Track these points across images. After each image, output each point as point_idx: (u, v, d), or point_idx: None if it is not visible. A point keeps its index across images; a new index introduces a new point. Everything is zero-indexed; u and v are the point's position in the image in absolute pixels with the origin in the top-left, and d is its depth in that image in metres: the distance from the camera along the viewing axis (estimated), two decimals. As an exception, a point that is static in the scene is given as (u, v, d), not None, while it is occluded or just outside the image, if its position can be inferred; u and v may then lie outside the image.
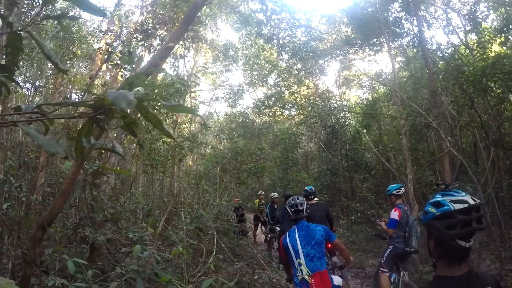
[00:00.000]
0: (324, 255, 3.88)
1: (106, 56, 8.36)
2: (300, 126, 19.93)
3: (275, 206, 11.22)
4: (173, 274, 5.23)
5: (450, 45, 11.80)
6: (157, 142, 10.18)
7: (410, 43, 13.10)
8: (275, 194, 11.78)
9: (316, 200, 7.50)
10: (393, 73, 12.31)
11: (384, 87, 16.46)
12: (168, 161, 10.64)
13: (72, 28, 11.06)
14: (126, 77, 6.62)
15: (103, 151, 5.58)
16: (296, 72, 17.80)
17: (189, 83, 10.62)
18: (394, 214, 5.31)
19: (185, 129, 14.01)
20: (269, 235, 10.74)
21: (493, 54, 9.43)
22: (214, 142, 19.04)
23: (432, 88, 9.07)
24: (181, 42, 10.78)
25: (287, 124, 21.89)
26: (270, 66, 19.03)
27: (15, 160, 6.91)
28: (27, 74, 12.69)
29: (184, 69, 14.89)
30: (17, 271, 3.71)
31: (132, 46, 11.16)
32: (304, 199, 4.18)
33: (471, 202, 1.49)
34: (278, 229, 8.52)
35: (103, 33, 11.67)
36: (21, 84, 12.06)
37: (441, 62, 11.37)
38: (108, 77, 13.38)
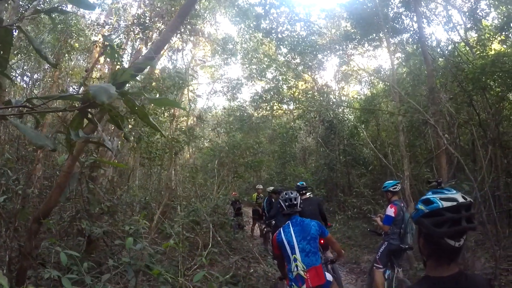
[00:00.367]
0: (318, 250, 3.88)
1: (102, 49, 8.33)
2: (298, 121, 19.92)
3: (273, 200, 11.24)
4: (168, 267, 5.26)
5: (450, 42, 11.76)
6: (154, 135, 10.16)
7: (410, 39, 13.04)
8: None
9: (308, 195, 7.50)
10: (392, 69, 12.27)
11: (383, 83, 16.43)
12: (166, 155, 10.63)
13: (70, 21, 10.97)
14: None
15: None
16: (294, 67, 17.74)
17: (187, 76, 10.57)
18: (390, 211, 5.30)
19: (182, 123, 13.96)
20: (265, 229, 10.76)
21: (493, 52, 9.37)
22: (212, 135, 19.02)
23: (431, 85, 9.06)
24: (178, 36, 10.72)
25: (285, 119, 21.89)
26: (268, 60, 18.97)
27: (12, 153, 6.89)
28: (25, 68, 12.64)
29: (182, 62, 14.85)
30: (14, 263, 3.71)
31: (130, 39, 11.12)
32: (298, 193, 4.18)
33: (461, 200, 1.45)
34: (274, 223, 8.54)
35: (100, 26, 11.61)
36: (18, 77, 12.04)
37: (440, 59, 11.34)
38: (106, 70, 13.34)
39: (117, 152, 8.80)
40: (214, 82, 23.33)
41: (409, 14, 12.17)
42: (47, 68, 12.02)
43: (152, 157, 10.72)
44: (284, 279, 4.15)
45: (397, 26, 12.57)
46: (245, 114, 19.08)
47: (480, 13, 10.87)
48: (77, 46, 12.57)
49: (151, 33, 10.16)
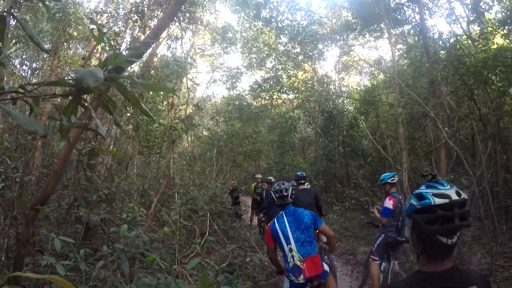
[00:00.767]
0: (313, 239, 3.86)
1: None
2: (297, 111, 19.87)
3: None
4: (165, 255, 5.28)
5: (452, 35, 11.65)
6: (153, 124, 10.15)
7: (411, 31, 12.94)
8: (271, 178, 11.81)
9: (306, 186, 7.51)
10: (393, 61, 12.21)
11: (383, 74, 16.36)
12: (164, 143, 10.63)
13: (69, 10, 10.86)
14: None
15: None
16: (294, 56, 17.64)
17: (186, 65, 10.51)
18: (388, 203, 5.25)
19: (181, 111, 13.92)
20: (262, 218, 10.80)
21: (495, 46, 9.29)
22: (211, 124, 18.99)
23: (432, 77, 9.00)
24: (177, 24, 10.65)
25: (284, 108, 21.86)
26: (268, 49, 18.86)
27: (11, 142, 6.89)
28: (23, 57, 12.56)
29: (181, 51, 14.73)
30: (12, 250, 3.72)
31: (129, 27, 11.03)
32: (289, 184, 4.15)
33: (454, 197, 1.39)
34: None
35: (98, 14, 11.50)
36: (17, 66, 11.98)
37: (442, 52, 11.26)
38: (104, 58, 13.22)
39: (115, 140, 8.79)
40: (214, 71, 23.20)
41: (411, 5, 12.08)
42: (46, 57, 11.94)
43: (151, 145, 10.72)
44: (282, 274, 4.15)
45: (399, 17, 12.47)
46: (244, 103, 19.03)
47: (483, 6, 10.76)
48: (76, 35, 12.47)
49: (149, 21, 10.08)
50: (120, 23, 11.64)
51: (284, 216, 3.94)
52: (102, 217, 4.86)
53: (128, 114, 9.24)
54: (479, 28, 10.86)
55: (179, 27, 11.58)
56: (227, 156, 15.51)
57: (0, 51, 1.23)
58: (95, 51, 11.91)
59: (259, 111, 18.45)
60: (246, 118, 17.62)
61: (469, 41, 10.91)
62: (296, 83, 18.75)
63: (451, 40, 11.41)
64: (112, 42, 7.43)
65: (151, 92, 9.94)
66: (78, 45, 14.06)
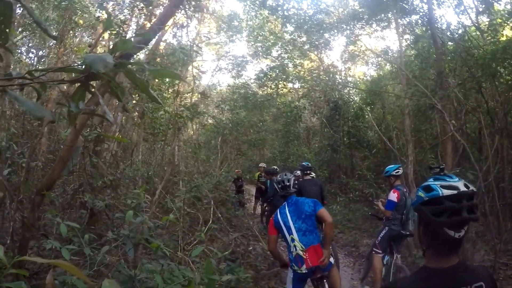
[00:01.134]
0: (316, 228, 3.87)
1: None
2: (302, 100, 19.78)
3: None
4: (169, 242, 5.33)
5: (460, 26, 11.47)
6: (158, 111, 10.16)
7: (419, 21, 12.72)
8: (275, 168, 11.82)
9: (311, 176, 7.53)
10: (400, 51, 12.08)
11: (390, 65, 16.21)
12: (169, 130, 10.65)
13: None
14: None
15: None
16: (300, 45, 17.50)
17: (192, 53, 10.46)
18: (393, 196, 5.20)
19: (187, 99, 13.92)
20: (266, 208, 10.84)
21: (504, 38, 9.13)
22: (216, 112, 18.98)
23: (439, 69, 8.90)
24: (182, 11, 10.57)
25: (290, 97, 21.77)
26: (274, 38, 18.71)
27: (18, 128, 6.95)
28: (30, 44, 12.56)
29: (187, 39, 14.66)
30: (18, 234, 3.77)
31: (135, 15, 10.99)
32: (292, 175, 4.19)
33: (463, 189, 1.37)
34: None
35: (104, 2, 11.44)
36: (24, 54, 11.99)
37: (450, 43, 11.10)
38: (111, 46, 13.18)
39: (121, 127, 8.83)
40: (219, 59, 23.07)
41: (419, -5, 11.88)
42: (52, 45, 11.94)
43: (156, 132, 10.75)
44: (286, 267, 4.16)
45: (407, 7, 12.27)
46: (250, 92, 18.95)
47: (492, -3, 10.57)
48: (82, 23, 12.45)
49: (155, 8, 10.01)
50: (126, 11, 11.57)
51: (286, 206, 3.97)
52: (107, 203, 4.90)
53: (134, 101, 9.25)
54: (488, 20, 10.65)
55: (185, 15, 11.50)
56: (232, 144, 15.54)
57: (7, 38, 1.23)
58: (101, 39, 11.87)
59: (264, 100, 18.37)
60: (251, 106, 17.57)
61: (478, 33, 10.74)
62: (302, 73, 18.64)
63: (460, 31, 11.22)
64: (119, 29, 7.42)
65: (156, 80, 9.93)
66: (84, 33, 14.04)
